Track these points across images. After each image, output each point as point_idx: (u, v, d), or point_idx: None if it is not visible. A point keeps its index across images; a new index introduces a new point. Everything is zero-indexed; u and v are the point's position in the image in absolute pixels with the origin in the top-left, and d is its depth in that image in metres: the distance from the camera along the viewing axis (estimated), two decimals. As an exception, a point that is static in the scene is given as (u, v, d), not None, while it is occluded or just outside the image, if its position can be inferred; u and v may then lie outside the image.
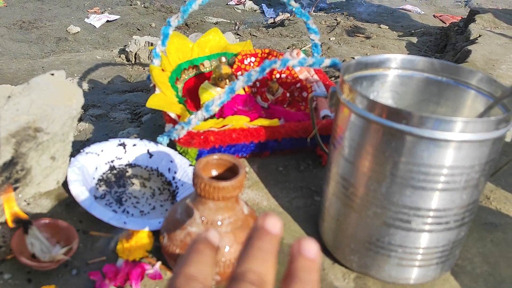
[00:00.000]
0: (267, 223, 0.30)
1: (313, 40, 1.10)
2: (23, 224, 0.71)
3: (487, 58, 1.72)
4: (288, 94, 1.13)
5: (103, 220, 0.76)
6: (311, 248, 0.29)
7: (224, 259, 0.66)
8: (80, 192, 0.78)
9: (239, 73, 1.15)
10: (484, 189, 1.06)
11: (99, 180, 0.88)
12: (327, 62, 0.83)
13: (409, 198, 0.69)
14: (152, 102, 0.91)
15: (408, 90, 0.87)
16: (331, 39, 2.72)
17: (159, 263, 0.74)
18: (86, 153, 0.87)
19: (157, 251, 0.78)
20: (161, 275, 0.74)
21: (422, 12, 3.72)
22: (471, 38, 2.07)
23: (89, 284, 0.70)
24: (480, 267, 0.84)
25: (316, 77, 1.14)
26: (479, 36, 2.06)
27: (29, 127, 0.68)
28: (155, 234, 0.79)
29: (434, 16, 3.77)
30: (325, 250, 0.84)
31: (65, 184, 0.85)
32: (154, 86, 0.99)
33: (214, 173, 0.71)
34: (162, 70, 1.03)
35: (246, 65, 1.16)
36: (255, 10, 4.18)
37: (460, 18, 2.95)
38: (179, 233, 0.67)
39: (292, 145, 1.01)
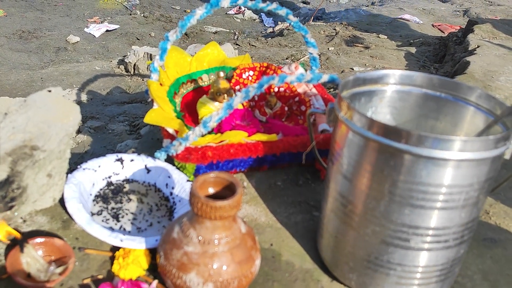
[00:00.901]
0: None
1: (311, 53, 1.10)
2: (19, 242, 0.70)
3: (485, 70, 1.73)
4: (286, 108, 1.13)
5: (100, 239, 0.75)
6: None
7: (221, 279, 0.66)
8: (77, 210, 0.77)
9: (237, 87, 1.15)
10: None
11: (96, 196, 0.87)
12: (325, 78, 0.83)
13: (408, 217, 0.69)
14: (150, 118, 0.91)
15: (407, 105, 0.86)
16: (330, 49, 2.72)
17: (155, 282, 0.74)
18: (83, 169, 0.87)
19: (154, 269, 0.77)
20: (158, 293, 0.73)
21: (421, 22, 3.73)
22: (470, 48, 2.07)
23: (85, 304, 0.69)
24: (480, 285, 0.83)
25: (314, 90, 1.14)
26: (478, 46, 2.06)
27: (25, 145, 0.67)
28: (152, 252, 0.78)
29: (432, 25, 3.78)
30: (324, 267, 0.83)
31: (61, 201, 0.85)
32: (152, 100, 0.98)
33: (211, 191, 0.70)
34: (161, 84, 1.03)
35: (244, 79, 1.16)
36: (254, 20, 4.20)
37: (459, 28, 2.95)
38: (176, 253, 0.67)
39: (291, 159, 1.01)
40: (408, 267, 0.73)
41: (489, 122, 0.76)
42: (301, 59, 2.29)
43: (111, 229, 0.81)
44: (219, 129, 1.00)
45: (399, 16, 3.81)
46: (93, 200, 0.86)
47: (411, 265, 0.73)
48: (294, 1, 4.86)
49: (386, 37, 3.07)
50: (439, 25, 3.74)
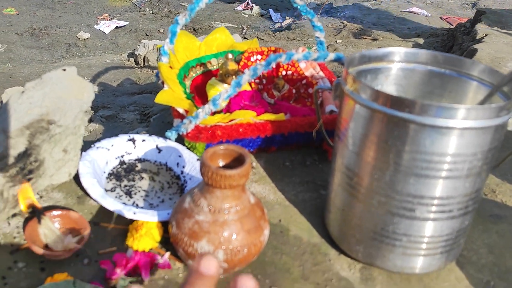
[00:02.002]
0: (202, 265, 0.31)
1: (318, 37, 1.12)
2: (37, 214, 0.73)
3: (493, 56, 1.73)
4: (294, 91, 1.14)
5: (114, 211, 0.78)
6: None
7: (231, 247, 0.68)
8: (91, 185, 0.80)
9: (245, 70, 1.17)
10: (489, 182, 1.06)
11: (109, 174, 0.90)
12: (331, 56, 0.85)
13: (412, 187, 0.70)
14: (161, 98, 0.93)
15: (412, 82, 0.88)
16: (337, 42, 2.73)
17: (168, 253, 0.76)
18: (97, 147, 0.90)
19: (166, 242, 0.80)
20: (170, 265, 0.75)
21: (429, 15, 3.73)
22: (478, 37, 2.07)
23: (100, 273, 0.72)
24: (485, 258, 0.85)
25: (321, 73, 1.15)
26: (486, 35, 2.06)
27: (42, 119, 0.70)
28: (164, 225, 0.80)
29: (441, 18, 3.77)
30: (331, 241, 0.85)
31: (76, 177, 0.88)
32: (163, 82, 1.01)
33: (221, 163, 0.73)
34: (170, 67, 1.06)
35: (252, 62, 1.18)
36: (262, 15, 4.22)
37: (467, 20, 2.95)
38: (187, 222, 0.69)
39: (299, 140, 1.03)
40: (413, 237, 0.75)
41: (489, 91, 0.77)
42: (309, 47, 2.31)
43: (124, 204, 0.84)
44: (228, 109, 1.03)
45: (407, 9, 3.81)
46: (107, 178, 0.89)
47: (416, 235, 0.74)
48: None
49: (394, 29, 3.07)
50: (447, 18, 3.73)
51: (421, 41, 2.66)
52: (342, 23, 3.23)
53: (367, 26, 3.19)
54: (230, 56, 1.06)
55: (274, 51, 1.19)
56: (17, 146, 0.69)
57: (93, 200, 0.84)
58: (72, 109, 0.74)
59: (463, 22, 3.03)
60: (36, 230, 0.73)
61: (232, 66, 1.05)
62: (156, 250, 0.78)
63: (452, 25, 3.39)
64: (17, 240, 0.75)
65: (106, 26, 3.47)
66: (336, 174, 0.81)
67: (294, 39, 2.86)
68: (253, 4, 4.33)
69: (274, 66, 1.13)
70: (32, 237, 0.72)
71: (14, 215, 0.79)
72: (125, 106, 1.70)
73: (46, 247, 0.73)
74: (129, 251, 0.76)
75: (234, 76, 1.05)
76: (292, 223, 0.89)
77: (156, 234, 0.78)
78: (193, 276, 0.32)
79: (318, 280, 0.77)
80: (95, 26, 3.51)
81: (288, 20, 3.83)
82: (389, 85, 0.88)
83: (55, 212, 0.75)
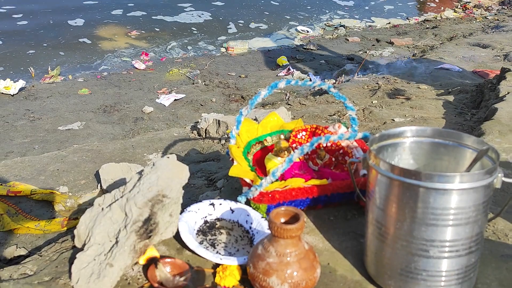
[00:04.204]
0: None
1: (351, 115, 1.41)
2: (154, 261, 1.04)
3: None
4: (333, 159, 1.43)
5: (205, 258, 1.07)
6: None
7: (293, 281, 0.95)
8: (189, 239, 1.10)
9: (294, 145, 1.48)
10: (504, 227, 1.27)
11: (198, 231, 1.21)
12: (359, 135, 1.14)
13: (425, 233, 0.95)
14: (233, 172, 1.24)
15: (423, 152, 1.14)
16: (373, 103, 3.02)
17: (246, 289, 1.04)
18: (188, 211, 1.21)
19: (244, 281, 1.07)
20: (248, 297, 1.03)
21: (460, 70, 3.95)
22: (500, 95, 2.29)
23: (200, 302, 1.00)
24: (495, 289, 1.06)
25: (355, 143, 1.44)
26: (508, 93, 2.28)
27: (158, 194, 1.02)
28: (242, 268, 1.08)
29: (473, 72, 3.99)
30: (370, 279, 1.09)
31: (175, 235, 1.18)
32: (233, 160, 1.33)
33: (282, 220, 1.01)
34: (238, 147, 1.38)
35: (299, 138, 1.49)
36: (303, 79, 4.61)
37: (494, 76, 3.15)
38: (261, 263, 0.97)
39: (340, 199, 1.30)
40: (431, 272, 0.98)
41: (471, 161, 1.02)
42: (343, 120, 2.60)
43: (211, 253, 1.13)
44: (282, 177, 1.32)
45: (439, 66, 4.06)
46: (196, 234, 1.19)
47: (433, 270, 0.98)
48: (340, 60, 5.25)
49: (426, 87, 3.33)
50: (479, 71, 3.94)
51: (451, 98, 2.89)
52: (377, 83, 3.52)
53: (401, 85, 3.46)
54: (282, 136, 1.37)
55: (316, 128, 1.49)
56: (143, 214, 1.01)
57: (190, 250, 1.13)
58: (176, 185, 1.06)
59: (495, 74, 3.22)
60: (154, 272, 1.03)
61: (284, 144, 1.36)
62: (237, 286, 1.06)
63: (484, 78, 3.59)
64: (141, 280, 1.05)
65: (166, 100, 3.95)
66: (369, 225, 1.07)
67: (332, 102, 3.17)
68: (294, 70, 4.75)
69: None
70: (151, 278, 1.02)
71: (135, 263, 1.10)
72: (193, 173, 2.04)
73: (161, 284, 1.03)
74: (218, 287, 1.04)
75: (285, 152, 1.36)
76: (338, 265, 1.15)
77: (236, 274, 1.06)
78: None
79: (360, 308, 1.02)
80: (156, 100, 4.00)
81: (328, 82, 4.19)
82: (406, 155, 1.15)
83: (167, 260, 1.06)
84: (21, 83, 4.10)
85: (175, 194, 1.07)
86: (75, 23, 6.24)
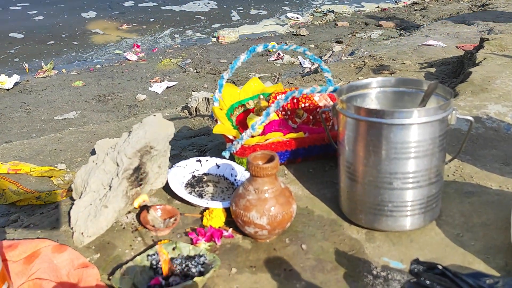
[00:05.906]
0: None
1: (327, 76, 1.51)
2: (146, 207, 1.14)
3: (484, 76, 2.05)
4: (311, 117, 1.53)
5: (193, 203, 1.17)
6: None
7: (271, 214, 1.05)
8: (178, 188, 1.20)
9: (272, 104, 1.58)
10: (470, 171, 1.37)
11: (186, 184, 1.30)
12: (330, 88, 1.24)
13: (388, 166, 1.06)
14: (217, 129, 1.34)
15: (390, 101, 1.24)
16: (359, 79, 3.12)
17: (231, 229, 1.14)
18: (177, 166, 1.31)
19: (228, 222, 1.17)
20: (233, 235, 1.13)
21: (445, 45, 4.05)
22: (477, 62, 2.39)
23: (189, 240, 1.11)
24: (458, 219, 1.16)
25: (332, 103, 1.54)
26: (484, 59, 2.38)
27: (146, 145, 1.12)
28: (227, 212, 1.18)
29: (456, 47, 4.08)
30: (344, 217, 1.20)
31: (165, 186, 1.28)
32: (216, 120, 1.42)
33: (260, 163, 1.11)
34: (221, 109, 1.48)
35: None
36: (293, 63, 4.70)
37: (474, 47, 3.24)
38: (242, 201, 1.07)
39: (318, 151, 1.40)
40: (396, 203, 1.09)
41: (422, 97, 1.12)
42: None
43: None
44: (263, 133, 1.42)
45: (424, 43, 4.15)
46: (184, 187, 1.29)
47: (398, 201, 1.08)
48: (329, 44, 5.34)
49: (410, 62, 3.43)
50: (462, 46, 4.03)
51: (433, 70, 2.99)
52: (363, 61, 3.62)
53: (386, 62, 3.56)
54: (261, 97, 1.47)
55: (295, 90, 1.59)
56: (133, 163, 1.10)
57: (179, 199, 1.23)
58: (162, 138, 1.16)
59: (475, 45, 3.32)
60: (146, 216, 1.13)
61: (264, 103, 1.46)
62: (223, 227, 1.16)
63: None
64: (134, 225, 1.16)
65: (159, 87, 4.04)
66: (341, 167, 1.17)
67: (320, 80, 3.27)
68: (284, 54, 4.84)
69: (295, 101, 1.53)
70: (144, 221, 1.13)
71: (129, 212, 1.20)
72: (185, 147, 2.14)
73: (153, 227, 1.13)
74: (205, 228, 1.14)
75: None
76: (315, 207, 1.25)
77: (222, 216, 1.16)
78: None
79: (335, 240, 1.12)
80: (149, 88, 4.09)
81: (315, 65, 4.28)
82: (373, 105, 1.25)
83: (158, 206, 1.16)
84: (15, 77, 4.18)
85: (162, 147, 1.16)
86: (66, 16, 6.32)
